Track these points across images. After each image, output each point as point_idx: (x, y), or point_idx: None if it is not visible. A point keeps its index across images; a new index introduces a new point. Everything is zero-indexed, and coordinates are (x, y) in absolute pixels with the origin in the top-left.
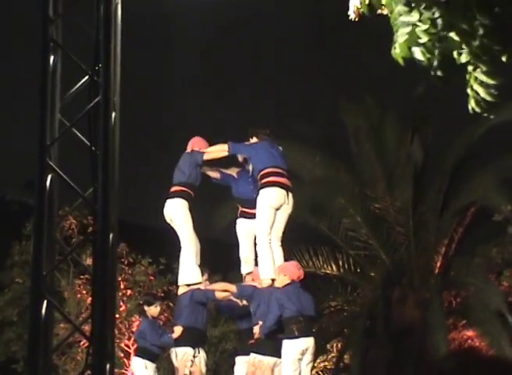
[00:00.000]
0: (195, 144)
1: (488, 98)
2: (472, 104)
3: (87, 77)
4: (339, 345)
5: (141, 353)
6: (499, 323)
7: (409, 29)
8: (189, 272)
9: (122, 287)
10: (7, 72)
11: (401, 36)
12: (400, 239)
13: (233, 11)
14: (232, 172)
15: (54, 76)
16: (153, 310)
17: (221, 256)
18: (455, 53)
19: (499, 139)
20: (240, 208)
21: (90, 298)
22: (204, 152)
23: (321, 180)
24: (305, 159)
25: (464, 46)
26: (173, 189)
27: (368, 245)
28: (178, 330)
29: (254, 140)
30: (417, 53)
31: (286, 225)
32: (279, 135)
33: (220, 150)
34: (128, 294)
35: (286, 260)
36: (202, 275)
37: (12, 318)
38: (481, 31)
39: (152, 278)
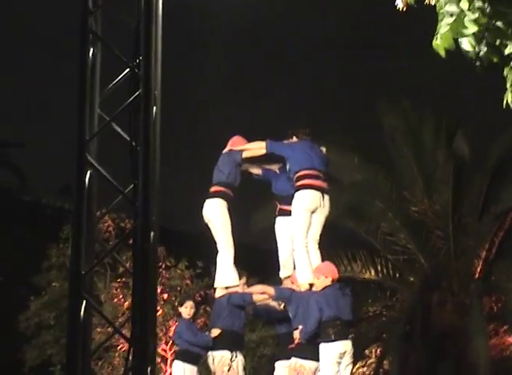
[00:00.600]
0: (235, 143)
1: None
2: (509, 98)
3: (127, 70)
4: (378, 351)
5: (180, 356)
6: None
7: (453, 19)
8: (226, 274)
9: (158, 291)
10: (43, 70)
11: (445, 26)
12: (439, 243)
13: (268, 9)
14: (274, 167)
15: (93, 70)
16: (186, 310)
17: (259, 259)
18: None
19: None
20: (279, 206)
21: (126, 303)
22: (242, 150)
23: (359, 183)
24: (343, 163)
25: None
26: (213, 189)
27: (407, 250)
28: (215, 332)
29: (294, 139)
30: (465, 43)
31: (324, 228)
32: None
33: (258, 148)
34: (165, 298)
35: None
36: (240, 278)
37: (49, 321)
38: None
39: (189, 282)
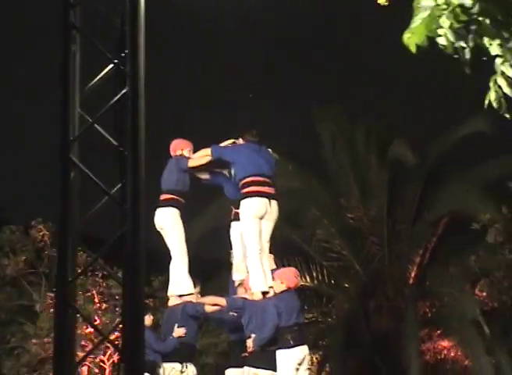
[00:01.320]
0: (177, 146)
1: (511, 95)
2: (492, 98)
3: (110, 66)
4: (316, 357)
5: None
6: (475, 332)
7: (427, 13)
8: (180, 282)
9: (96, 300)
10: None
11: (418, 20)
12: (373, 249)
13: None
14: (224, 171)
15: (73, 67)
16: (149, 318)
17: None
18: (486, 42)
19: (472, 148)
20: (234, 210)
21: None
22: (188, 158)
23: (294, 190)
24: (278, 169)
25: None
26: (163, 197)
27: (342, 256)
28: (179, 331)
29: (241, 141)
30: (441, 39)
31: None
32: None
33: (203, 155)
34: (103, 307)
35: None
36: (194, 286)
37: None
38: None
39: None
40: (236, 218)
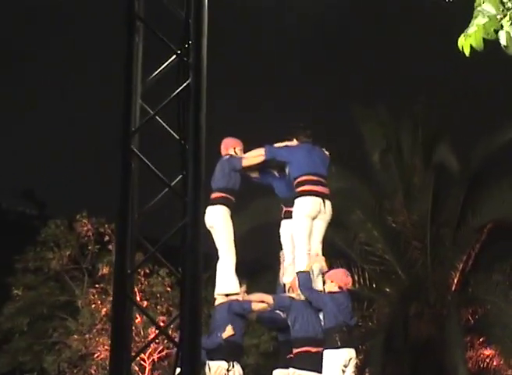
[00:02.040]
0: (229, 145)
1: None
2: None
3: (173, 58)
4: (356, 362)
5: None
6: None
7: (487, 19)
8: (227, 281)
9: (138, 298)
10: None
11: (477, 24)
12: (416, 254)
13: None
14: (274, 170)
15: (137, 58)
16: None
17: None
18: None
19: None
20: (284, 209)
21: (104, 309)
22: (241, 158)
23: (337, 192)
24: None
25: None
26: (214, 195)
27: (384, 260)
28: (229, 330)
29: (295, 142)
30: (503, 39)
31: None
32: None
33: (257, 155)
34: (144, 305)
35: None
36: (240, 285)
37: (22, 327)
38: None
39: (169, 289)
40: (287, 216)
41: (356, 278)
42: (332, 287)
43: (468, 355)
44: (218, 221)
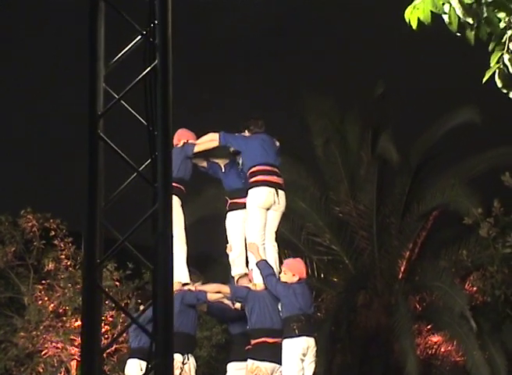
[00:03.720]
0: (181, 136)
1: None
2: (496, 76)
3: (138, 38)
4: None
5: (136, 354)
6: (466, 327)
7: None
8: (180, 271)
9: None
10: None
11: None
12: (363, 243)
13: None
14: (221, 163)
15: (100, 39)
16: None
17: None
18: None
19: (461, 139)
20: (229, 201)
21: (51, 305)
22: (194, 144)
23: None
24: None
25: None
26: None
27: (331, 250)
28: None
29: (247, 133)
30: (446, 16)
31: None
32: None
33: (210, 140)
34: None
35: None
36: (196, 280)
37: None
38: None
39: (118, 283)
40: (232, 208)
41: None
42: (289, 277)
43: (417, 342)
44: None
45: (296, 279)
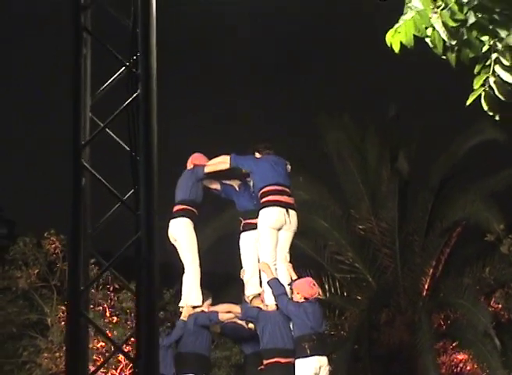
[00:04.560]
0: (195, 159)
1: (502, 98)
2: (482, 99)
3: (122, 70)
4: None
5: None
6: (490, 345)
7: (412, 14)
8: (193, 294)
9: (108, 314)
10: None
11: (406, 20)
12: (386, 261)
13: None
14: (234, 184)
15: (85, 70)
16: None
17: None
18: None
19: (483, 157)
20: (243, 221)
21: None
22: (205, 166)
23: (304, 202)
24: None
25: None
26: (176, 208)
27: (354, 268)
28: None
29: (257, 155)
30: (428, 39)
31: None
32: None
33: (221, 162)
34: (114, 321)
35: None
36: (206, 298)
37: None
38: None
39: None
40: (246, 229)
41: (327, 287)
42: (298, 298)
43: (442, 360)
44: (181, 234)
45: (301, 299)
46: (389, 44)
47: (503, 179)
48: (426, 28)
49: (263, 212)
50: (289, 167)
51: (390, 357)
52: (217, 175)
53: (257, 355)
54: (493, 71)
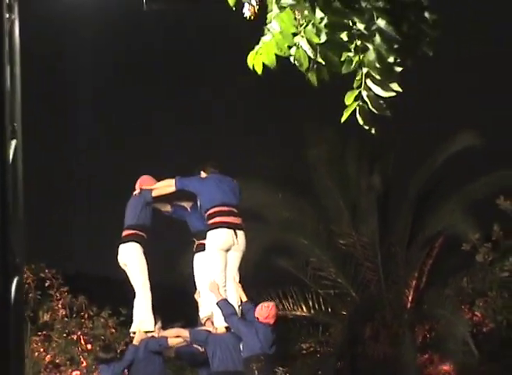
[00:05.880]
0: (143, 182)
1: (376, 111)
2: (357, 113)
3: None
4: None
5: None
6: (469, 353)
7: (270, 37)
8: (144, 319)
9: (82, 341)
10: None
11: (266, 41)
12: (369, 274)
13: None
14: (186, 205)
15: None
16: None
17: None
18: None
19: (462, 164)
20: (197, 242)
21: (48, 356)
22: (151, 189)
23: (284, 220)
24: (267, 198)
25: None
26: (125, 233)
27: (337, 283)
28: None
29: (203, 175)
30: (296, 57)
31: (251, 266)
32: (236, 172)
33: (167, 185)
34: (89, 348)
35: (254, 301)
36: (155, 322)
37: None
38: (378, 38)
39: (114, 331)
40: (199, 249)
41: (311, 304)
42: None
43: (428, 372)
44: (131, 259)
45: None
46: (251, 66)
47: (481, 186)
48: (290, 47)
49: (210, 234)
50: (236, 183)
51: (375, 372)
52: (165, 198)
53: None
54: (365, 85)
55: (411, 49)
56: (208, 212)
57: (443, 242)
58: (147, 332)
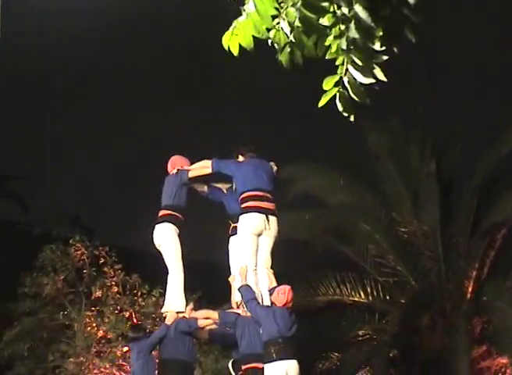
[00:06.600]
0: (176, 163)
1: (356, 98)
2: (337, 99)
3: None
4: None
5: None
6: None
7: (245, 18)
8: (176, 299)
9: (135, 320)
10: None
11: (243, 22)
12: (429, 264)
13: None
14: (222, 187)
15: None
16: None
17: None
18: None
19: None
20: (232, 225)
21: (100, 332)
22: (188, 170)
23: (345, 204)
24: (328, 184)
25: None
26: (161, 213)
27: (397, 271)
28: None
29: (241, 159)
30: (276, 38)
31: (309, 250)
32: (299, 159)
33: (203, 166)
34: None
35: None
36: (187, 304)
37: (23, 352)
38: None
39: None
40: (234, 233)
41: (369, 290)
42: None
43: (485, 364)
44: (165, 239)
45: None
46: (226, 48)
47: None
48: (268, 30)
49: (243, 218)
50: (274, 168)
51: (430, 362)
52: (201, 179)
53: (239, 360)
54: (346, 71)
55: (394, 35)
56: (242, 196)
57: (506, 233)
58: (178, 312)
